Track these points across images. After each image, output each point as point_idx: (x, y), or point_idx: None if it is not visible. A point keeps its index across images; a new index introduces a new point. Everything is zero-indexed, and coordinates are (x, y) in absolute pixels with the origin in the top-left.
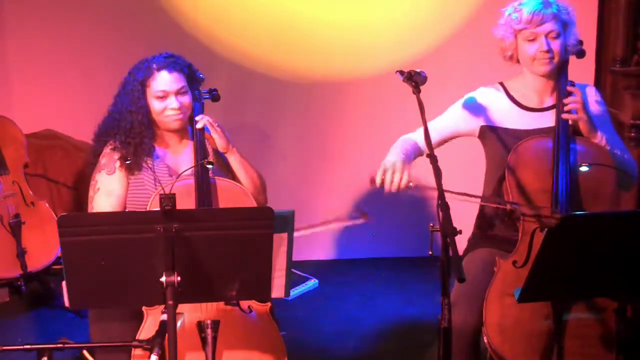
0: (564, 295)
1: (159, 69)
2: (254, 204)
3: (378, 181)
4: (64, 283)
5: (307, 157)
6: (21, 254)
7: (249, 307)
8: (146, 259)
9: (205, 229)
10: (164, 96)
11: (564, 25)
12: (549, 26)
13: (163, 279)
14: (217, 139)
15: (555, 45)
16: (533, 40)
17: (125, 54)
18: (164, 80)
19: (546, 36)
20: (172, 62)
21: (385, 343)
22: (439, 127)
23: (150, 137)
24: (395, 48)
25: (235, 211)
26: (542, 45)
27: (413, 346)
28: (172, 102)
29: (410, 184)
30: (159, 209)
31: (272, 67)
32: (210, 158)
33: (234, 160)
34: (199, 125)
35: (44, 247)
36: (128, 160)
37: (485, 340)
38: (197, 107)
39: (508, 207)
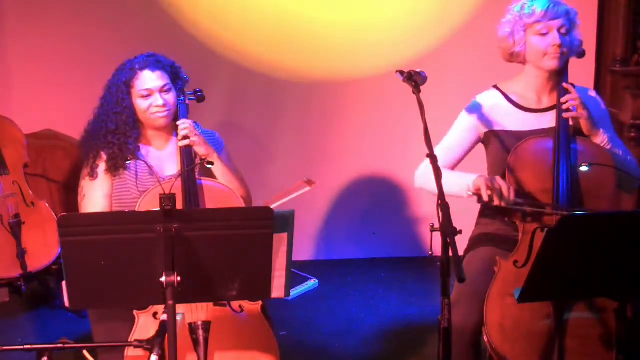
0: (564, 295)
1: (141, 69)
2: (241, 204)
3: (486, 197)
4: (64, 283)
5: (307, 157)
6: (21, 254)
7: (240, 306)
8: (146, 259)
9: (205, 229)
10: (148, 95)
11: (572, 24)
12: (561, 21)
13: (163, 279)
14: (197, 147)
15: (566, 40)
16: (545, 34)
17: (126, 53)
18: (148, 79)
19: (558, 30)
20: (155, 61)
21: (385, 343)
22: (455, 147)
23: (134, 138)
24: (395, 48)
25: (235, 211)
26: (555, 39)
27: (413, 346)
28: (157, 100)
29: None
30: (158, 208)
31: (272, 67)
32: (197, 162)
33: (216, 168)
34: (181, 135)
35: (44, 247)
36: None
37: (486, 340)
38: (183, 109)
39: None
